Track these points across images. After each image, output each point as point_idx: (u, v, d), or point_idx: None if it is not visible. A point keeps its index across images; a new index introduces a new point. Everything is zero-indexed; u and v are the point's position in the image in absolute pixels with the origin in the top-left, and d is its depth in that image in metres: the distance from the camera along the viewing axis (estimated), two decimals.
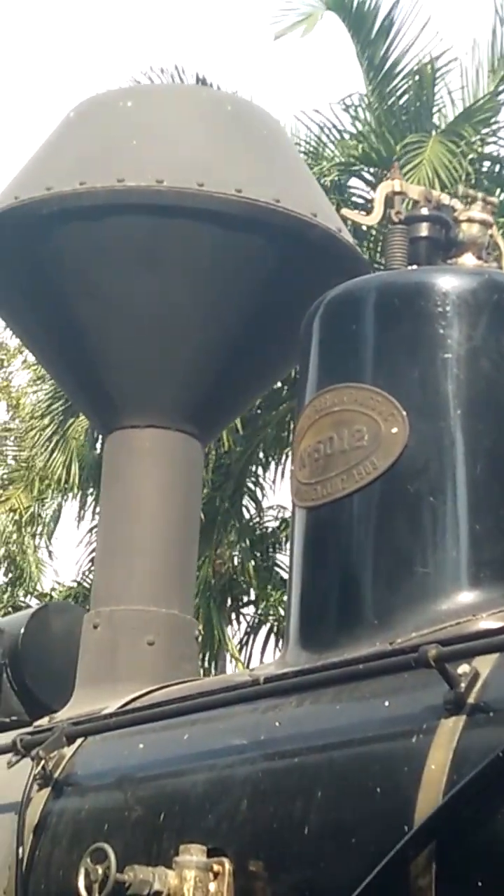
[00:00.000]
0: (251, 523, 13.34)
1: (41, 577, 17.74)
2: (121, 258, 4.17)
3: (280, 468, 12.94)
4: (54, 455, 13.85)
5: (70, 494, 14.91)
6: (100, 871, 3.07)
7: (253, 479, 13.12)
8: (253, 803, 3.02)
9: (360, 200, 11.47)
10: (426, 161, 10.76)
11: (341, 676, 3.02)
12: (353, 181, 11.85)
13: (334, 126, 11.74)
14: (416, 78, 11.48)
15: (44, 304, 4.36)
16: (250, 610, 13.86)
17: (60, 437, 13.69)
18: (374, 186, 10.88)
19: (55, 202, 4.17)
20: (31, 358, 16.84)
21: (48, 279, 4.28)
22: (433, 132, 11.28)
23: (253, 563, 13.18)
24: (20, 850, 3.51)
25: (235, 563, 13.57)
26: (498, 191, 11.44)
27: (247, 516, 13.22)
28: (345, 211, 4.22)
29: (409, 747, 2.77)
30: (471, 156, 11.30)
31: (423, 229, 3.64)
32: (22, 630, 4.50)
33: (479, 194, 3.74)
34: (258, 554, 13.36)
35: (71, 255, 4.22)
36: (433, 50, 11.63)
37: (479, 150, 11.44)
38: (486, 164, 11.70)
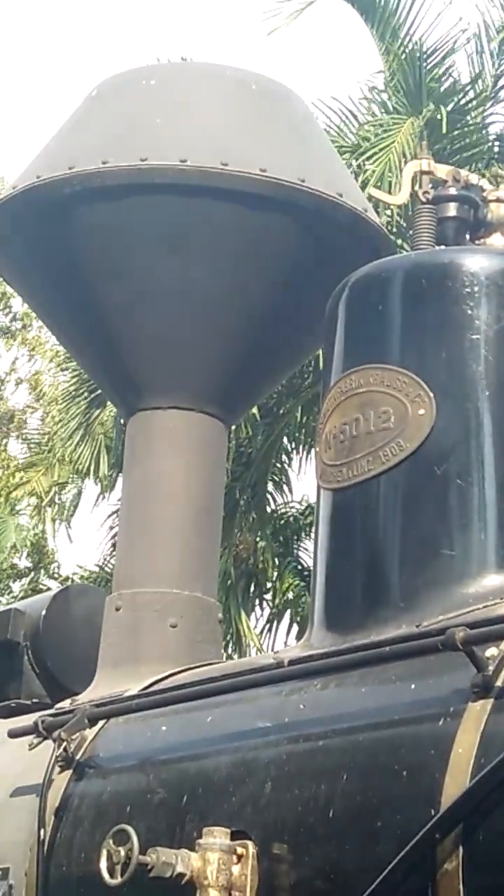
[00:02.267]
0: (274, 513, 13.28)
1: (59, 563, 17.77)
2: (144, 238, 4.14)
3: (305, 455, 12.89)
4: (80, 448, 13.81)
5: (92, 479, 14.88)
6: (122, 852, 3.06)
7: (277, 466, 13.06)
8: (277, 786, 3.00)
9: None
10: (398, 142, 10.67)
11: (367, 659, 3.00)
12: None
13: (351, 113, 11.65)
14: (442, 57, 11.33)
15: (66, 284, 4.33)
16: (270, 598, 13.84)
17: (86, 431, 13.64)
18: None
19: (77, 181, 4.14)
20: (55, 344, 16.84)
21: (70, 259, 4.25)
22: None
23: (271, 552, 13.14)
24: (42, 832, 3.50)
25: (257, 551, 13.54)
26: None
27: (271, 506, 13.16)
28: (371, 190, 4.18)
29: (436, 730, 2.75)
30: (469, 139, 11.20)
31: (452, 209, 3.61)
32: (43, 612, 4.48)
33: None
34: (281, 540, 13.31)
35: (93, 235, 4.19)
36: (453, 31, 11.51)
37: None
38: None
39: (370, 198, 4.21)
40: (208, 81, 4.36)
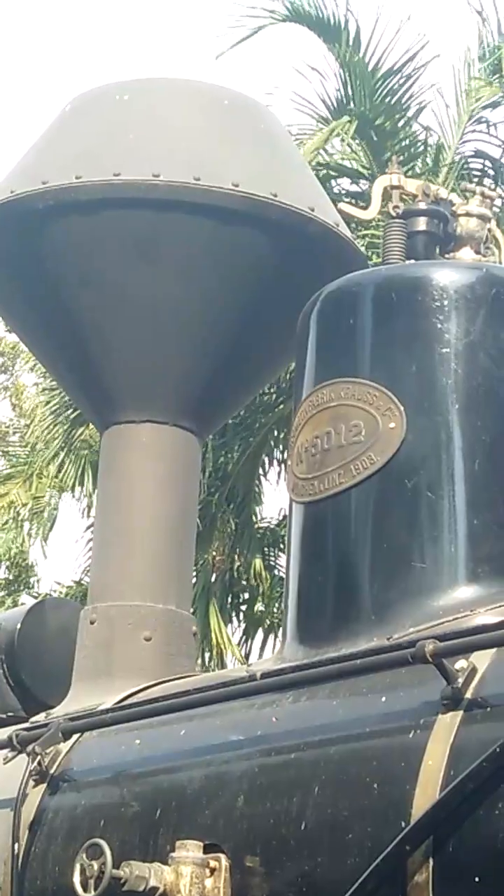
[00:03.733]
0: (256, 525, 13.30)
1: (38, 577, 17.72)
2: (117, 252, 4.15)
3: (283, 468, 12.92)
4: (66, 465, 13.81)
5: (72, 494, 14.88)
6: (95, 866, 3.06)
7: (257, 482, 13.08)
8: (249, 799, 3.01)
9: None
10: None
11: (338, 672, 3.01)
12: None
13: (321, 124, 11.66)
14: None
15: (40, 298, 4.34)
16: (251, 608, 13.84)
17: (68, 449, 13.64)
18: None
19: (51, 196, 4.15)
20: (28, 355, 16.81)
21: (44, 273, 4.27)
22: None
23: (255, 563, 13.15)
24: (16, 846, 3.50)
25: (236, 563, 13.53)
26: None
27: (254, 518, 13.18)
28: (342, 205, 4.20)
29: (407, 742, 2.77)
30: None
31: (421, 223, 3.64)
32: (18, 625, 4.48)
33: (478, 189, 3.73)
34: (262, 552, 13.32)
35: (67, 249, 4.20)
36: (412, 47, 11.52)
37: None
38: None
39: (341, 212, 4.23)
40: (181, 96, 4.38)
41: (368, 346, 3.43)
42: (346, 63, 11.39)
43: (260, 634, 13.59)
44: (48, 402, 13.89)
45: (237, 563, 13.41)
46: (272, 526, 13.52)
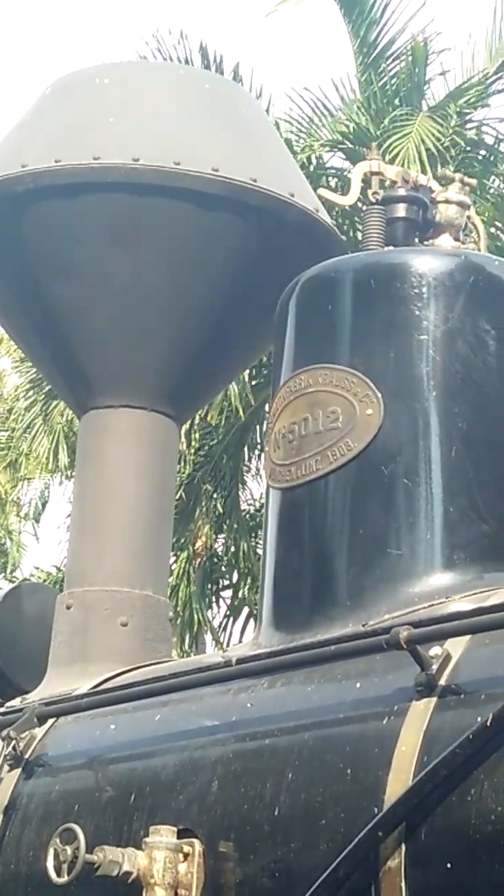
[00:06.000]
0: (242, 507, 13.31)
1: (21, 561, 17.69)
2: (96, 236, 4.14)
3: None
4: (38, 438, 13.80)
5: (60, 476, 14.87)
6: (69, 851, 3.06)
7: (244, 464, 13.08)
8: (224, 784, 3.02)
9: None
10: (413, 135, 10.74)
11: (313, 658, 3.01)
12: (341, 161, 11.85)
13: (324, 105, 11.71)
14: (410, 57, 11.43)
15: (18, 281, 4.32)
16: (230, 593, 13.84)
17: (43, 421, 13.63)
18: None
19: (30, 179, 4.13)
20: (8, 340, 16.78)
21: (23, 257, 4.25)
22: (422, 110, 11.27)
23: (235, 547, 13.15)
24: None
25: (216, 545, 13.54)
26: (492, 178, 11.46)
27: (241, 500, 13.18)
28: (321, 191, 4.19)
29: (380, 729, 2.77)
30: (469, 133, 11.29)
31: (401, 210, 3.63)
32: None
33: (457, 175, 3.72)
34: (242, 536, 13.33)
35: (46, 233, 4.19)
36: (427, 31, 11.62)
37: (466, 131, 11.41)
38: (472, 149, 11.67)
39: (321, 198, 4.22)
40: (161, 81, 4.37)
41: (346, 333, 3.42)
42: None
43: (242, 618, 13.61)
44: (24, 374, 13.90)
45: (219, 546, 13.42)
46: (254, 510, 13.53)
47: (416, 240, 3.63)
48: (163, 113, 4.22)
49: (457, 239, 3.63)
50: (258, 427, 12.48)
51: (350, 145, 11.44)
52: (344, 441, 3.28)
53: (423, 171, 8.64)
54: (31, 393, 13.88)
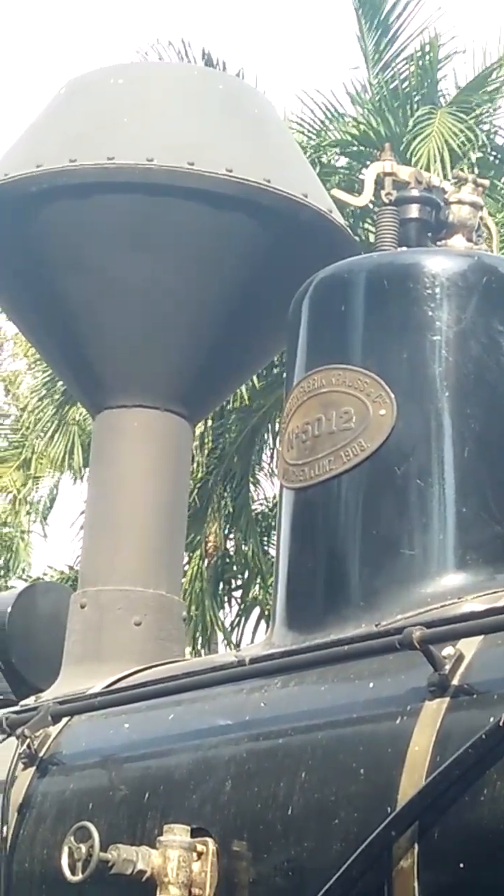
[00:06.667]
0: (252, 507, 13.30)
1: (30, 561, 17.71)
2: (110, 236, 4.15)
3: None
4: (55, 438, 13.83)
5: (70, 474, 14.89)
6: (83, 849, 3.07)
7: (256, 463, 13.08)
8: (237, 784, 3.02)
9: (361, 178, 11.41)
10: (435, 133, 10.73)
11: (326, 658, 3.02)
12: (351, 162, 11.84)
13: (335, 108, 11.72)
14: (428, 57, 11.41)
15: (33, 281, 4.34)
16: (242, 593, 13.84)
17: (60, 422, 13.67)
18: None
19: (45, 179, 4.15)
20: (24, 341, 16.81)
21: (37, 257, 4.27)
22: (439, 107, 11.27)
23: (246, 546, 13.15)
24: (4, 828, 3.51)
25: (229, 546, 13.54)
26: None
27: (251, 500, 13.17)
28: (335, 191, 4.20)
29: (393, 729, 2.78)
30: (486, 126, 11.30)
31: (414, 211, 3.63)
32: (9, 610, 4.49)
33: (470, 176, 3.73)
34: (257, 537, 13.33)
35: (60, 233, 4.20)
36: (441, 33, 11.62)
37: (490, 122, 11.40)
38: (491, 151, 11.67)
39: (334, 198, 4.23)
40: (175, 81, 4.38)
41: (360, 333, 3.43)
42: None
43: (254, 618, 13.61)
44: (39, 376, 13.93)
45: (231, 546, 13.42)
46: (267, 509, 13.53)
47: (429, 241, 3.63)
48: (177, 113, 4.23)
49: (470, 240, 3.64)
50: (270, 427, 12.48)
51: (361, 147, 11.45)
52: (357, 441, 3.29)
53: (445, 174, 8.65)
54: (44, 392, 13.91)
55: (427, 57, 11.48)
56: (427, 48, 11.48)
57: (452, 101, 11.39)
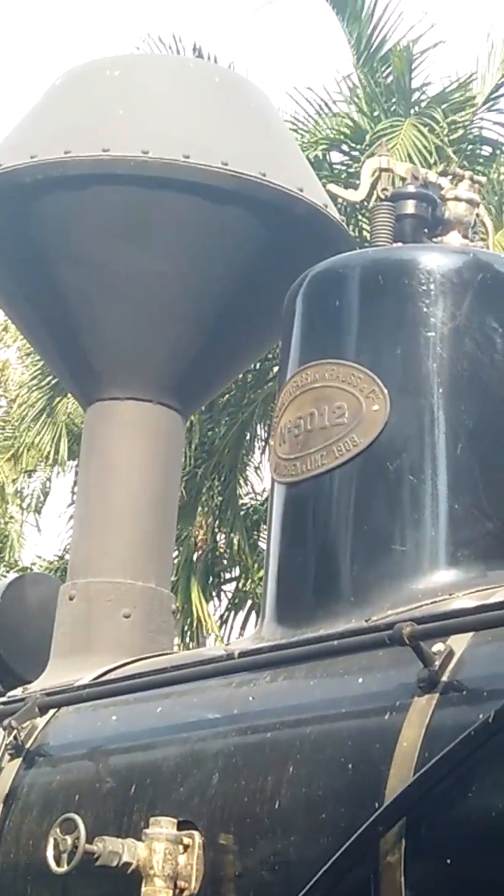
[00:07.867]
0: (240, 502, 13.30)
1: (22, 551, 17.70)
2: (105, 228, 4.14)
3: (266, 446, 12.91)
4: (42, 431, 13.84)
5: (59, 468, 14.91)
6: (69, 841, 3.06)
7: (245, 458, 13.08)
8: (224, 777, 3.02)
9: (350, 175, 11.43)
10: (400, 145, 10.74)
11: (316, 652, 3.02)
12: (338, 156, 11.85)
13: (325, 103, 11.73)
14: (400, 57, 11.41)
15: (26, 272, 4.33)
16: (232, 587, 13.84)
17: (48, 415, 13.67)
18: (357, 162, 10.88)
19: (40, 170, 4.14)
20: (14, 331, 16.79)
21: (31, 248, 4.25)
22: (410, 114, 11.27)
23: (236, 540, 13.15)
24: None
25: (218, 539, 13.55)
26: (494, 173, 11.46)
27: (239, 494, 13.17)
28: (330, 186, 4.20)
29: (382, 724, 2.77)
30: (456, 135, 11.28)
31: (410, 206, 3.63)
32: None
33: (467, 173, 3.73)
34: (244, 531, 13.33)
35: (55, 224, 4.19)
36: (419, 29, 11.62)
37: (452, 136, 11.39)
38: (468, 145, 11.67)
39: (330, 193, 4.23)
40: (171, 74, 4.37)
41: (354, 328, 3.42)
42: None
43: (242, 611, 13.61)
44: (28, 368, 13.93)
45: (221, 540, 13.42)
46: (257, 504, 13.53)
47: (425, 237, 3.63)
48: (172, 106, 4.22)
49: (465, 236, 3.63)
50: (259, 421, 12.48)
51: (351, 143, 11.45)
52: (349, 437, 3.29)
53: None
54: (34, 384, 13.91)
55: (401, 58, 11.43)
56: (401, 48, 11.45)
57: (421, 112, 11.36)
